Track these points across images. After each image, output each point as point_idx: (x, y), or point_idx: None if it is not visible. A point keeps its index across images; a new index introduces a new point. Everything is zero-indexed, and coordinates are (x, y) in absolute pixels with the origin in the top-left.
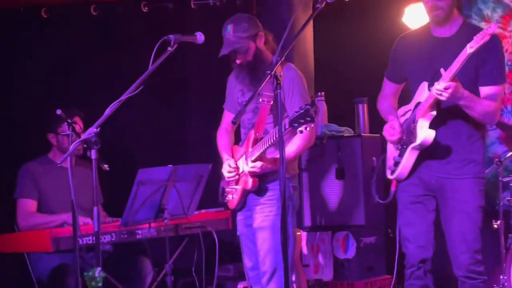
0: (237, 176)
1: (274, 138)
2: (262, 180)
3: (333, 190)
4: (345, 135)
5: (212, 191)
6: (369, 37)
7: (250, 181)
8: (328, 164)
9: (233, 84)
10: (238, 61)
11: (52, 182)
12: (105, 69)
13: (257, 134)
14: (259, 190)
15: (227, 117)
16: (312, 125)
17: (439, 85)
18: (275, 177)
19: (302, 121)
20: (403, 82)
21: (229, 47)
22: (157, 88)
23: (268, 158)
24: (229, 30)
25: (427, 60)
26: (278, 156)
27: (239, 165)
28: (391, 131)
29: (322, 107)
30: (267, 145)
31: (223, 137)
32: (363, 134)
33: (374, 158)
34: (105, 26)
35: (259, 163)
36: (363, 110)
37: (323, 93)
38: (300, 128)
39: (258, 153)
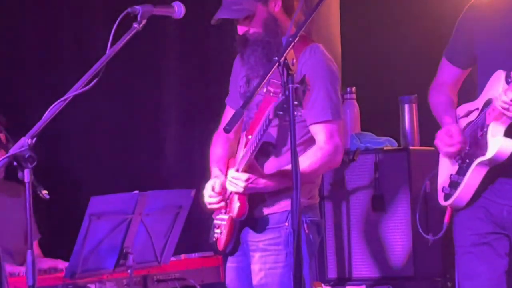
0: (222, 203)
1: (259, 137)
2: (256, 207)
3: (368, 227)
4: (386, 148)
5: (196, 228)
6: (419, 10)
7: (236, 206)
8: (362, 190)
9: (238, 69)
10: (240, 32)
11: None
12: (41, 55)
13: (249, 136)
14: (255, 223)
15: (229, 115)
16: (300, 113)
17: (506, 96)
18: (279, 204)
19: (287, 106)
20: (469, 67)
21: (225, 11)
22: (118, 82)
23: (263, 172)
24: None
25: (505, 38)
26: (284, 168)
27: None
28: (448, 139)
29: (353, 108)
30: (253, 148)
31: (218, 144)
32: (411, 148)
33: (427, 182)
34: None
35: (244, 176)
36: (411, 112)
37: (353, 88)
38: (287, 117)
39: (246, 161)
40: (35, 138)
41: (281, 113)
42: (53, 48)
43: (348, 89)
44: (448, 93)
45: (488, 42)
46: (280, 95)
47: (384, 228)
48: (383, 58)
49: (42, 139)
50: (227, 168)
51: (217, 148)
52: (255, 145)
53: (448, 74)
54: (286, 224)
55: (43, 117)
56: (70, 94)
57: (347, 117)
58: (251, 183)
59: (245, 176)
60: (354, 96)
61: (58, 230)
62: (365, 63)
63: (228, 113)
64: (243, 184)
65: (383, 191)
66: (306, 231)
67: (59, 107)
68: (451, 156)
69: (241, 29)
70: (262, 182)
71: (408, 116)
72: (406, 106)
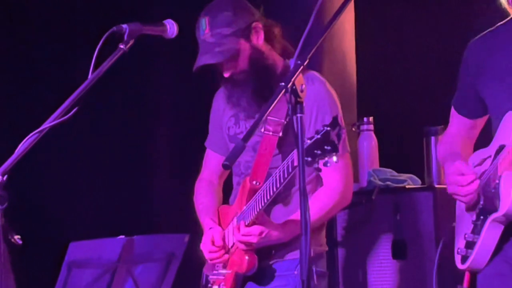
0: (225, 256)
1: (278, 186)
2: (263, 259)
3: (388, 277)
4: (408, 186)
5: (191, 279)
6: (446, 30)
7: (245, 259)
8: (380, 235)
9: (221, 107)
10: (226, 74)
11: None
12: (14, 79)
13: (254, 182)
14: (261, 275)
15: (211, 160)
16: (334, 158)
17: None
18: (289, 252)
19: (319, 152)
20: (481, 116)
21: (207, 55)
22: (103, 111)
23: (273, 222)
24: (203, 26)
25: (506, 77)
26: (292, 218)
27: (228, 236)
28: (462, 179)
29: (370, 141)
30: (268, 198)
31: (202, 193)
32: (437, 186)
33: (454, 225)
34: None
35: (257, 229)
36: (437, 146)
37: (371, 118)
38: (316, 165)
39: (256, 213)
40: (7, 175)
41: (309, 159)
42: (27, 71)
43: (365, 119)
44: (457, 145)
45: (496, 83)
46: (280, 133)
47: (405, 279)
48: (405, 84)
49: (14, 176)
50: (219, 217)
51: (203, 197)
52: (269, 196)
53: (457, 124)
54: (295, 272)
55: (15, 152)
56: (46, 125)
57: (363, 151)
58: (264, 237)
59: (257, 230)
60: (371, 127)
61: (32, 281)
62: (384, 89)
63: (210, 158)
64: (255, 240)
65: (404, 236)
66: (315, 282)
67: (34, 139)
68: (472, 203)
69: (227, 72)
70: (275, 234)
71: (434, 149)
72: (432, 139)
